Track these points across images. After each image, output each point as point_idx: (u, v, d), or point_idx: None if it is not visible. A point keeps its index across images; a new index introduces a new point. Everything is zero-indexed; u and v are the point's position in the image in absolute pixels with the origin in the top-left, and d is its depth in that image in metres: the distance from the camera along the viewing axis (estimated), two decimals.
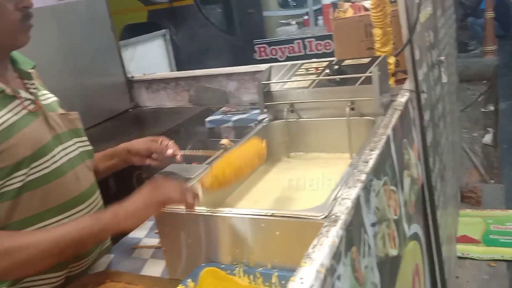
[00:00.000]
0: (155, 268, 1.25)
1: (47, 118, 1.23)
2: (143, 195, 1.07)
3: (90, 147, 1.37)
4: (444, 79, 2.20)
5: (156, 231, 1.43)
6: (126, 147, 1.47)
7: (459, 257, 2.70)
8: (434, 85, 2.10)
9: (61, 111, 1.32)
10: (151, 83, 3.27)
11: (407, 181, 1.50)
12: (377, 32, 1.66)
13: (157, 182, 1.09)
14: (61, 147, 1.24)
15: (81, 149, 1.32)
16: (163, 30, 4.02)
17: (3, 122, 1.10)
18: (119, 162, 1.50)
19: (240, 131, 2.65)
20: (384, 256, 1.17)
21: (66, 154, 1.25)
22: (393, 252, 1.26)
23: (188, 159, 1.47)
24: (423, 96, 1.74)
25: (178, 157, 1.42)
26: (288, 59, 5.81)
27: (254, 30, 6.80)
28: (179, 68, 4.19)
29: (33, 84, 1.26)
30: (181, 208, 1.09)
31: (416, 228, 1.64)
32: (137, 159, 1.46)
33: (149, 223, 1.51)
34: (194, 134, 2.90)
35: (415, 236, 1.62)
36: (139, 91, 3.31)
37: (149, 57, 3.75)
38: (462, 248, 2.74)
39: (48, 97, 1.31)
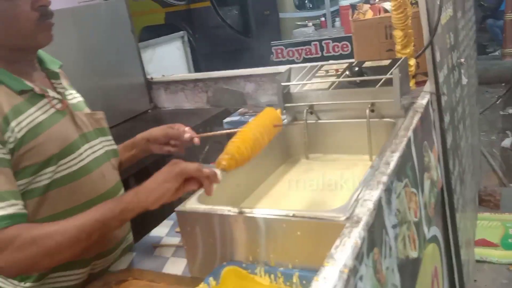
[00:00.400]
0: (176, 267, 1.27)
1: (74, 117, 1.25)
2: (162, 172, 1.07)
3: (115, 146, 1.40)
4: (464, 81, 2.18)
5: (177, 230, 1.46)
6: (144, 136, 1.48)
7: (478, 261, 2.67)
8: (454, 87, 2.08)
9: (87, 110, 1.35)
10: (169, 84, 3.30)
11: (427, 184, 1.50)
12: (398, 34, 1.66)
13: (176, 160, 1.09)
14: (87, 146, 1.26)
15: (106, 148, 1.34)
16: (181, 32, 4.06)
17: (32, 120, 1.13)
18: (138, 152, 1.51)
19: None
20: (405, 258, 1.17)
21: (93, 153, 1.28)
22: (413, 254, 1.26)
23: (205, 141, 1.45)
24: (444, 99, 1.73)
25: (196, 140, 1.42)
26: (305, 60, 5.80)
27: (271, 32, 6.80)
28: (195, 70, 4.22)
29: (60, 83, 1.29)
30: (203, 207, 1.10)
31: (435, 230, 1.63)
32: (156, 147, 1.46)
33: (169, 222, 1.53)
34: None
35: (434, 239, 1.62)
36: (158, 92, 3.35)
37: (167, 59, 3.78)
38: (480, 252, 2.71)
39: (74, 97, 1.34)
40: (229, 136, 1.21)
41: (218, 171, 1.09)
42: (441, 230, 1.75)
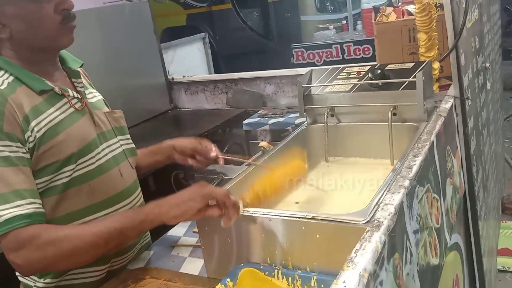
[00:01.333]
0: (194, 267, 1.27)
1: (92, 116, 1.26)
2: (188, 190, 1.08)
3: (133, 145, 1.40)
4: (489, 86, 2.14)
5: (195, 229, 1.46)
6: (171, 143, 1.50)
7: (500, 270, 2.61)
8: (479, 92, 2.04)
9: (106, 109, 1.36)
10: (190, 85, 3.32)
11: (449, 190, 1.47)
12: (422, 36, 1.64)
13: (203, 183, 1.11)
14: (105, 144, 1.27)
15: (124, 147, 1.35)
16: (203, 33, 4.08)
17: (52, 120, 1.14)
18: (162, 158, 1.52)
19: (277, 135, 2.66)
20: (425, 265, 1.15)
21: (111, 151, 1.29)
22: (434, 261, 1.23)
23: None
24: (468, 103, 1.70)
25: (221, 162, 1.43)
26: (326, 63, 5.76)
27: (292, 35, 6.78)
28: (216, 71, 4.24)
29: (80, 82, 1.30)
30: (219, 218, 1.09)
31: (457, 238, 1.60)
32: (181, 157, 1.48)
33: (187, 222, 1.53)
34: (231, 136, 2.93)
35: (456, 246, 1.58)
36: (179, 92, 3.37)
37: (188, 60, 3.81)
38: (503, 261, 2.65)
39: (94, 96, 1.35)
40: (252, 162, 1.30)
41: (241, 204, 1.10)
42: (463, 237, 1.71)
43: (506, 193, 3.40)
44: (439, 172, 1.35)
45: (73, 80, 1.29)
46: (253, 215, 1.07)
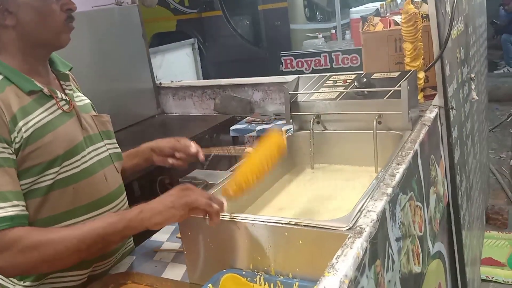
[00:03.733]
0: (176, 272, 1.26)
1: (80, 119, 1.26)
2: (171, 195, 1.08)
3: (119, 150, 1.40)
4: (475, 97, 2.17)
5: (178, 235, 1.45)
6: (149, 145, 1.49)
7: (483, 280, 2.63)
8: (464, 102, 2.07)
9: (94, 113, 1.35)
10: (178, 90, 3.31)
11: (433, 198, 1.48)
12: (407, 46, 1.66)
13: (187, 186, 1.10)
14: (92, 148, 1.27)
15: (110, 151, 1.34)
16: (192, 39, 4.09)
17: (39, 121, 1.14)
18: (141, 161, 1.51)
19: None
20: (408, 273, 1.15)
21: (97, 155, 1.28)
22: (417, 269, 1.24)
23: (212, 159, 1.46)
24: (452, 113, 1.72)
25: (201, 155, 1.42)
26: (314, 71, 5.80)
27: (281, 43, 6.81)
28: (204, 78, 4.23)
29: (69, 85, 1.30)
30: (204, 218, 1.09)
31: (440, 246, 1.61)
32: (159, 158, 1.47)
33: (171, 228, 1.52)
34: (218, 142, 2.92)
35: (438, 255, 1.59)
36: (166, 97, 3.36)
37: (177, 65, 3.81)
38: (486, 271, 2.67)
39: (82, 99, 1.35)
40: (235, 152, 1.23)
41: (225, 202, 1.09)
42: (446, 246, 1.72)
43: (491, 204, 3.45)
44: (422, 181, 1.36)
45: (62, 82, 1.29)
46: (236, 220, 1.07)
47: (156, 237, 1.48)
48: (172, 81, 3.39)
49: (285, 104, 1.68)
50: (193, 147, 1.43)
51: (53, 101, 1.20)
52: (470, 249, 2.11)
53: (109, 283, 1.24)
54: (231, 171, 1.48)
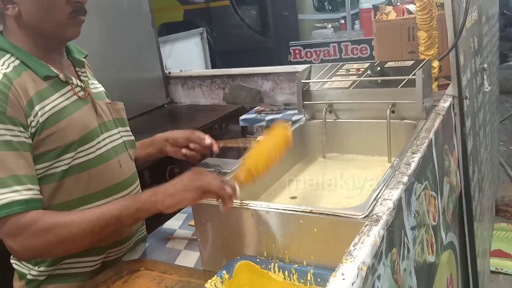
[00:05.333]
0: (189, 259, 1.26)
1: (95, 105, 1.26)
2: (184, 179, 1.08)
3: (132, 138, 1.40)
4: (487, 87, 2.14)
5: (190, 223, 1.45)
6: (164, 136, 1.49)
7: (493, 272, 2.62)
8: (476, 92, 2.05)
9: (108, 100, 1.35)
10: (187, 80, 3.30)
11: (446, 188, 1.47)
12: (422, 35, 1.64)
13: (199, 169, 1.10)
14: (106, 134, 1.27)
15: (124, 138, 1.34)
16: (201, 29, 4.06)
17: (55, 106, 1.14)
18: (154, 151, 1.51)
19: None
20: (422, 262, 1.15)
21: (111, 142, 1.28)
22: (431, 258, 1.23)
23: (224, 151, 1.46)
24: (466, 103, 1.70)
25: (215, 147, 1.43)
26: (323, 62, 5.77)
27: (289, 33, 6.78)
28: (212, 68, 4.22)
29: (84, 72, 1.30)
30: (217, 202, 1.09)
31: (452, 237, 1.60)
32: (173, 149, 1.47)
33: (183, 215, 1.52)
34: (227, 132, 2.91)
35: (450, 245, 1.59)
36: (175, 87, 3.35)
37: (186, 54, 3.79)
38: (495, 263, 2.67)
39: (96, 87, 1.35)
40: (245, 145, 1.23)
41: (237, 187, 1.10)
42: (458, 237, 1.72)
43: (500, 196, 3.43)
44: (437, 170, 1.35)
45: (77, 69, 1.29)
46: (251, 207, 1.07)
47: (168, 224, 1.48)
48: (181, 71, 3.37)
49: (297, 93, 1.67)
50: (207, 139, 1.43)
51: (69, 87, 1.20)
52: (481, 240, 2.10)
53: (122, 270, 1.25)
54: (243, 159, 1.47)
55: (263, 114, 2.82)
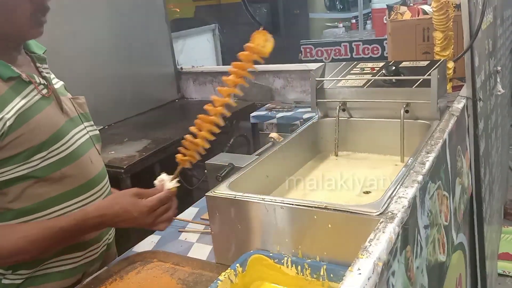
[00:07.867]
0: (201, 252, 1.27)
1: (60, 103, 1.21)
2: (121, 215, 1.13)
3: (97, 132, 1.36)
4: (500, 89, 2.14)
5: (202, 216, 1.46)
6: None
7: (500, 274, 2.62)
8: (490, 95, 2.04)
9: (69, 95, 1.31)
10: (198, 76, 3.32)
11: (458, 189, 1.47)
12: (438, 35, 1.63)
13: (130, 204, 1.13)
14: (74, 131, 1.22)
15: (90, 133, 1.30)
16: (213, 25, 4.07)
17: (19, 109, 1.09)
18: None
19: (284, 128, 2.66)
20: (433, 261, 1.15)
21: (80, 138, 1.24)
22: (442, 258, 1.24)
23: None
24: (479, 105, 1.70)
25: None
26: (334, 61, 5.75)
27: (300, 31, 6.76)
28: (223, 65, 4.22)
29: (46, 68, 1.25)
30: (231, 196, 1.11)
31: (462, 238, 1.61)
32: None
33: (195, 209, 1.54)
34: (237, 128, 2.93)
35: (460, 246, 1.59)
36: (187, 82, 3.37)
37: (197, 50, 3.80)
38: (503, 266, 2.66)
39: (56, 81, 1.29)
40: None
41: (172, 184, 1.16)
42: (467, 238, 1.72)
43: (509, 199, 3.41)
44: (450, 171, 1.35)
45: (38, 65, 1.23)
46: (265, 202, 1.08)
47: (180, 217, 1.49)
48: (193, 66, 3.39)
49: (311, 91, 1.67)
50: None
51: (32, 87, 1.15)
52: (490, 242, 2.10)
53: (136, 261, 1.26)
54: (256, 155, 1.48)
55: (274, 112, 2.84)
